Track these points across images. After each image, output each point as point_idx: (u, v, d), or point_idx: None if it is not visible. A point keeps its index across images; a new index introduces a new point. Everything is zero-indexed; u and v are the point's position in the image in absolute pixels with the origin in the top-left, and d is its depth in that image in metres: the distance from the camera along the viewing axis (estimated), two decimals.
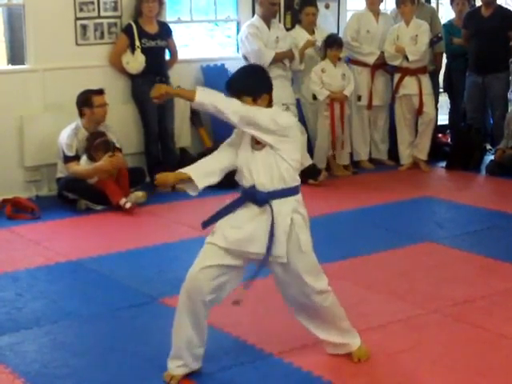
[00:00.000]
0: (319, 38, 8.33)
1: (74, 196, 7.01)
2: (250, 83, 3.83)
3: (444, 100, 9.98)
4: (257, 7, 8.15)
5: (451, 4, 9.57)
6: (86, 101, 7.08)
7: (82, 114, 7.11)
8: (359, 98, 8.55)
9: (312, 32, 8.37)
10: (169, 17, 8.20)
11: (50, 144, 7.25)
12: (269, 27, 8.01)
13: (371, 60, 8.51)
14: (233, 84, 3.86)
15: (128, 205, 6.85)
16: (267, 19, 8.00)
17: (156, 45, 7.68)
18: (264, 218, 3.79)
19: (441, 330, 4.51)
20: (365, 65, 8.54)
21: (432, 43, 8.57)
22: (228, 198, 6.68)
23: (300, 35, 8.28)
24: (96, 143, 7.01)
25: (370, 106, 8.62)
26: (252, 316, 4.71)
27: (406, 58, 8.35)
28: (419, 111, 8.50)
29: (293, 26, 8.58)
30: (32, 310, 4.84)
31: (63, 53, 7.48)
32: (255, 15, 8.16)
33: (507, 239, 6.26)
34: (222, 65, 8.40)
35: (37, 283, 5.31)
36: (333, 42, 8.15)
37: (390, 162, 8.84)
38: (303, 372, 4.00)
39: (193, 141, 8.30)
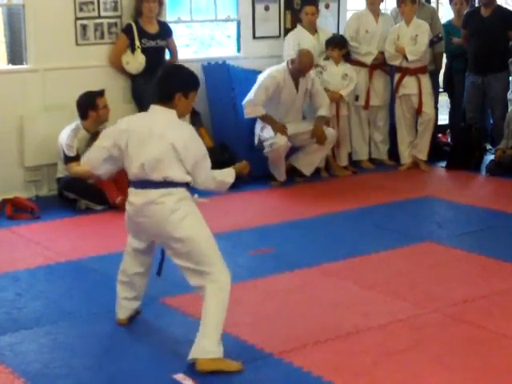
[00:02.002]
0: (322, 38, 8.34)
1: (74, 196, 7.02)
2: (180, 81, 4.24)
3: (444, 100, 9.98)
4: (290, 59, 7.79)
5: (450, 4, 9.57)
6: (91, 103, 7.08)
7: (86, 116, 7.11)
8: (357, 98, 8.55)
9: (314, 32, 8.36)
10: (169, 17, 8.19)
11: (50, 144, 7.25)
12: (297, 86, 7.76)
13: (368, 60, 8.49)
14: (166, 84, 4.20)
15: (118, 200, 6.84)
16: (295, 77, 7.75)
17: (156, 45, 7.68)
18: None
19: (441, 330, 4.51)
20: (363, 65, 8.53)
21: (432, 43, 8.56)
22: (225, 198, 6.65)
23: (302, 35, 8.28)
24: None
25: (367, 106, 8.61)
26: (252, 316, 4.71)
27: (406, 57, 8.36)
28: (418, 111, 8.50)
29: (293, 26, 8.58)
30: (32, 309, 4.83)
31: (63, 53, 7.48)
32: (285, 65, 7.75)
33: (507, 239, 6.25)
34: (224, 61, 8.36)
35: (37, 283, 5.31)
36: (331, 42, 8.16)
37: (389, 162, 8.83)
38: (303, 372, 4.00)
39: None
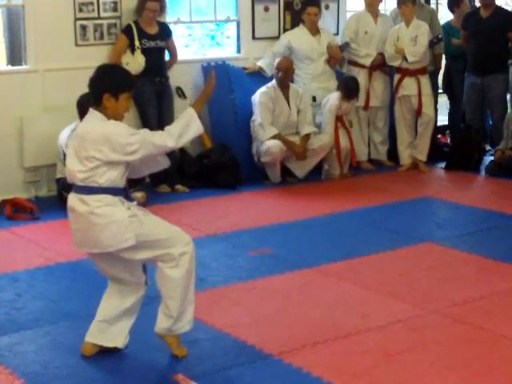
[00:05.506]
0: (324, 39, 8.35)
1: None
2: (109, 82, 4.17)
3: (443, 101, 9.98)
4: (276, 72, 7.94)
5: (449, 7, 9.54)
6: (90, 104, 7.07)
7: (84, 117, 7.10)
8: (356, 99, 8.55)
9: (316, 32, 8.37)
10: (168, 17, 8.19)
11: (49, 145, 7.25)
12: (289, 102, 7.92)
13: (367, 62, 8.49)
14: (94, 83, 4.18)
15: None
16: (283, 87, 7.93)
17: (156, 45, 7.67)
18: None
19: (440, 331, 4.51)
20: (362, 66, 8.53)
21: (431, 44, 8.56)
22: (225, 198, 6.66)
23: (303, 36, 8.28)
24: None
25: (366, 107, 8.61)
26: (252, 316, 4.71)
27: (406, 58, 8.36)
28: (418, 112, 8.50)
29: (292, 27, 8.58)
30: (31, 310, 4.83)
31: (63, 53, 7.48)
32: (273, 81, 7.97)
33: (507, 240, 6.25)
34: (223, 62, 8.35)
35: (36, 284, 5.31)
36: (351, 94, 8.11)
37: (389, 163, 8.83)
38: (303, 372, 4.00)
39: (192, 141, 8.25)
